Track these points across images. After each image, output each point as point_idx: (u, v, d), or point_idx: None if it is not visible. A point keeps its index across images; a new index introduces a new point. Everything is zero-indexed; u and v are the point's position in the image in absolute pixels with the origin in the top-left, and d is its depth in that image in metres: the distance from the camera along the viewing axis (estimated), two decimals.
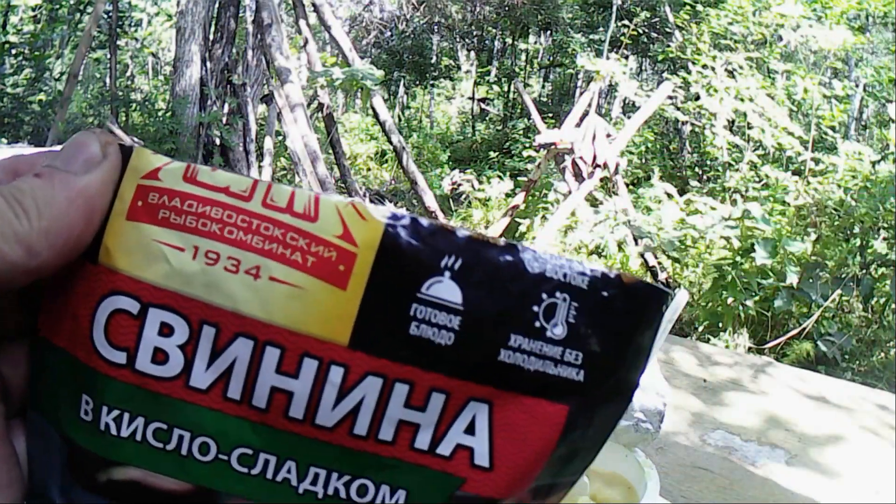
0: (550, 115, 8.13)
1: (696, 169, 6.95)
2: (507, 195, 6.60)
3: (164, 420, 0.18)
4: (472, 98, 11.48)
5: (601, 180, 5.23)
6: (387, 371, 0.18)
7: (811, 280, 3.61)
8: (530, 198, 6.09)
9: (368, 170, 8.92)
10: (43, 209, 0.17)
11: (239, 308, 0.17)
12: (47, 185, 0.18)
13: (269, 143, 5.71)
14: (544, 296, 0.18)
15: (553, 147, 5.38)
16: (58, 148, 0.19)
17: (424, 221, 0.18)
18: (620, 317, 0.19)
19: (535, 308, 0.18)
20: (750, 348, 3.63)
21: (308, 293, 0.18)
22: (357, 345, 0.18)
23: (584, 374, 0.19)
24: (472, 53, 11.95)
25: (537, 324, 0.18)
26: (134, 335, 0.18)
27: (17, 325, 0.20)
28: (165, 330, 0.18)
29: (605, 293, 0.19)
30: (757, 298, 3.67)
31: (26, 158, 0.20)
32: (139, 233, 0.18)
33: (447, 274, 0.18)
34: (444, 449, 0.19)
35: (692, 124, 6.65)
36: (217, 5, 5.66)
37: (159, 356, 0.18)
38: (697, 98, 5.84)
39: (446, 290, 0.18)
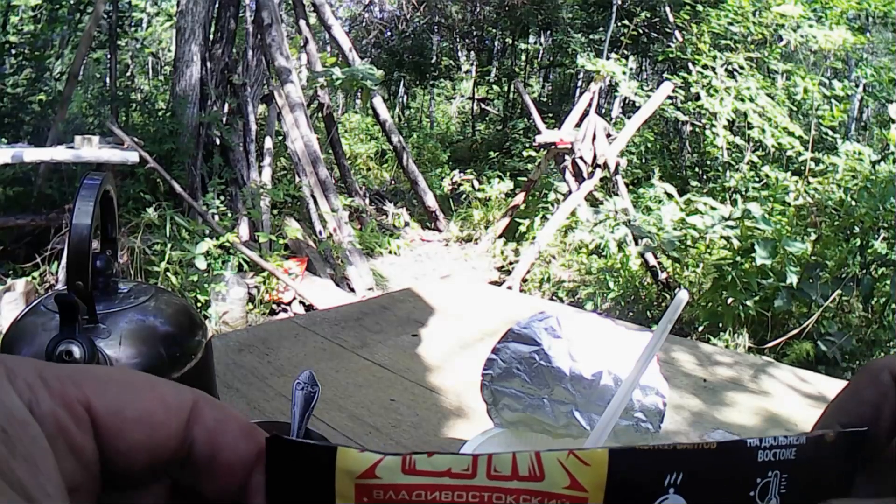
0: (550, 115, 8.12)
1: (696, 169, 6.95)
2: (508, 195, 6.60)
3: None
4: (472, 98, 11.48)
5: (601, 180, 5.23)
6: None
7: (811, 280, 3.60)
8: (530, 198, 6.09)
9: (368, 170, 8.91)
10: None
11: None
12: None
13: (269, 143, 5.71)
14: (758, 480, 0.20)
15: (553, 147, 5.38)
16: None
17: (642, 449, 0.19)
18: (828, 471, 0.21)
19: (752, 493, 0.20)
20: (750, 348, 3.63)
21: None
22: None
23: None
24: (472, 53, 11.95)
25: None
26: None
27: None
28: None
29: (810, 457, 0.20)
30: (757, 298, 3.67)
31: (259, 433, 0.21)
32: None
33: (671, 490, 0.19)
34: None
35: (692, 124, 6.65)
36: (217, 5, 5.66)
37: None
38: (698, 98, 5.84)
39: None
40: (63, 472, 0.18)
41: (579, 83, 9.19)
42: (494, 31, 11.28)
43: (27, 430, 0.18)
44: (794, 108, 6.00)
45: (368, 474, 0.19)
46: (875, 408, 0.22)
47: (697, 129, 6.61)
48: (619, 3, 7.50)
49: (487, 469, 0.19)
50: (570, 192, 5.29)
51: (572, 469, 0.19)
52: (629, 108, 7.36)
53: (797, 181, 4.83)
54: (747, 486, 0.20)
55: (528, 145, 7.07)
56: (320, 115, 6.59)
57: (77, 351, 0.56)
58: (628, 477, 0.19)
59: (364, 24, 10.96)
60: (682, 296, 0.49)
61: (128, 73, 8.19)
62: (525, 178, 6.23)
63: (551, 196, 5.84)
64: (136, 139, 4.62)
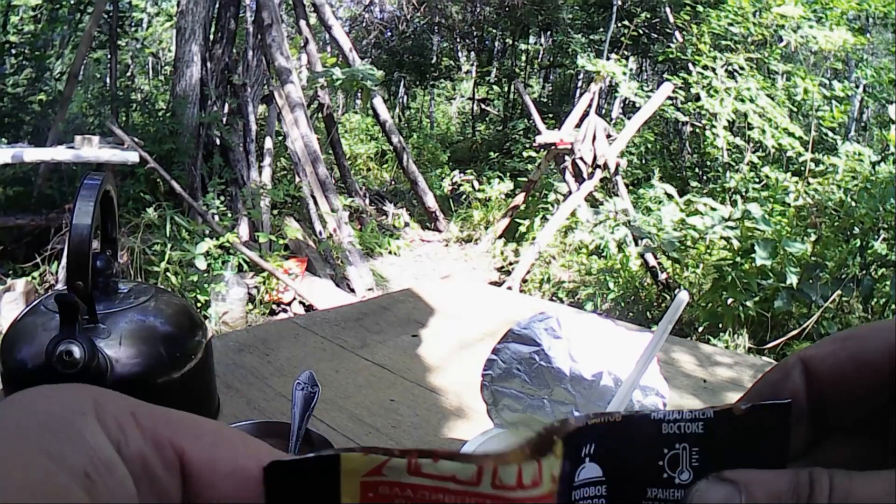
0: (550, 115, 8.13)
1: (697, 169, 6.95)
2: (508, 195, 6.60)
3: None
4: (473, 98, 11.49)
5: (601, 180, 5.23)
6: None
7: (811, 281, 3.60)
8: (530, 198, 6.09)
9: (368, 170, 8.92)
10: None
11: None
12: None
13: (269, 143, 5.71)
14: (665, 450, 0.21)
15: (553, 147, 5.38)
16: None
17: (571, 429, 0.21)
18: (748, 445, 0.21)
19: (660, 462, 0.21)
20: (750, 349, 3.63)
21: None
22: None
23: None
24: (473, 54, 11.95)
25: (665, 475, 0.21)
26: None
27: None
28: None
29: (722, 431, 0.21)
30: (757, 299, 3.67)
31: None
32: None
33: (587, 459, 0.21)
34: None
35: (692, 125, 6.65)
36: (217, 5, 5.66)
37: None
38: (698, 99, 5.84)
39: (590, 471, 0.21)
40: None
41: (579, 84, 9.20)
42: (494, 31, 11.28)
43: (113, 473, 0.17)
44: (795, 109, 6.00)
45: (374, 472, 0.19)
46: (773, 386, 0.23)
47: (697, 130, 6.61)
48: (620, 3, 7.51)
49: (493, 479, 0.19)
50: (570, 192, 5.29)
51: (552, 467, 0.20)
52: (629, 108, 7.36)
53: (797, 182, 4.83)
54: (655, 456, 0.21)
55: (528, 146, 7.07)
56: (320, 115, 6.59)
57: (77, 351, 0.56)
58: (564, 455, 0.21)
59: (364, 24, 10.97)
60: (683, 296, 0.50)
61: (128, 73, 8.19)
62: (525, 179, 6.23)
63: (551, 196, 5.85)
64: (136, 139, 4.62)
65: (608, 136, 5.08)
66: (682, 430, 0.21)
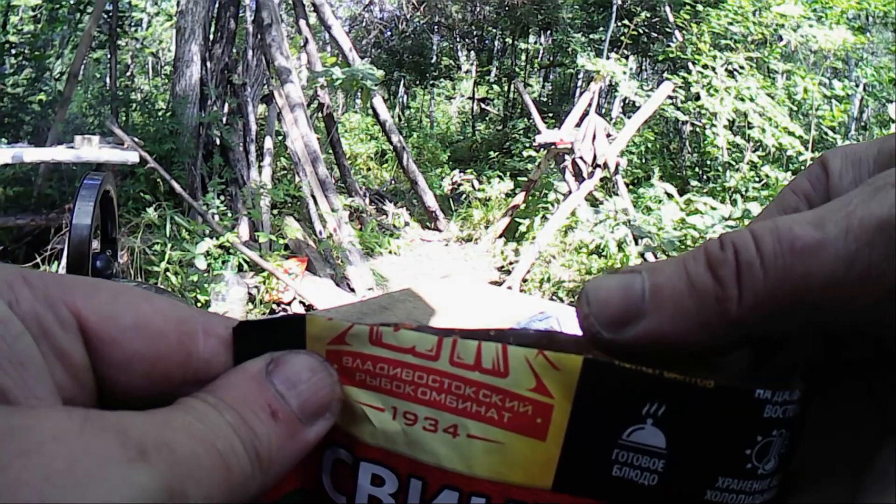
0: (550, 114, 8.13)
1: (697, 169, 6.95)
2: (508, 195, 6.60)
3: None
4: (473, 98, 11.49)
5: (601, 180, 5.23)
6: None
7: None
8: (530, 198, 6.09)
9: (368, 170, 8.91)
10: (274, 460, 0.18)
11: (442, 464, 0.18)
12: (283, 435, 0.18)
13: (269, 143, 5.70)
14: (759, 437, 0.17)
15: (553, 147, 5.38)
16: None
17: (622, 367, 0.17)
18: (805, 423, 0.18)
19: (748, 451, 0.17)
20: None
21: (507, 447, 0.18)
22: (560, 487, 0.18)
23: (778, 486, 0.18)
24: (473, 53, 11.95)
25: (749, 465, 0.17)
26: (351, 483, 0.19)
27: None
28: (377, 481, 0.19)
29: (806, 408, 0.18)
30: None
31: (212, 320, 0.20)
32: (343, 393, 0.19)
33: (649, 421, 0.17)
34: None
35: (692, 124, 6.65)
36: (217, 5, 5.66)
37: (374, 503, 0.19)
38: (698, 98, 5.84)
39: (649, 436, 0.17)
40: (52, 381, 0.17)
41: (579, 83, 9.19)
42: (494, 30, 11.29)
43: (9, 328, 0.17)
44: (795, 108, 5.99)
45: (339, 341, 0.19)
46: (806, 196, 0.20)
47: (697, 129, 6.60)
48: (620, 2, 7.50)
49: (451, 354, 0.18)
50: (570, 192, 5.29)
51: (540, 370, 0.17)
52: (629, 107, 7.36)
53: None
54: (744, 441, 0.17)
55: (528, 145, 7.06)
56: (320, 114, 6.59)
57: None
58: (601, 393, 0.17)
59: (364, 23, 10.97)
60: None
61: (128, 73, 8.19)
62: (525, 178, 6.23)
63: (551, 196, 5.84)
64: (136, 139, 4.62)
65: (608, 135, 5.08)
66: (785, 415, 0.17)
